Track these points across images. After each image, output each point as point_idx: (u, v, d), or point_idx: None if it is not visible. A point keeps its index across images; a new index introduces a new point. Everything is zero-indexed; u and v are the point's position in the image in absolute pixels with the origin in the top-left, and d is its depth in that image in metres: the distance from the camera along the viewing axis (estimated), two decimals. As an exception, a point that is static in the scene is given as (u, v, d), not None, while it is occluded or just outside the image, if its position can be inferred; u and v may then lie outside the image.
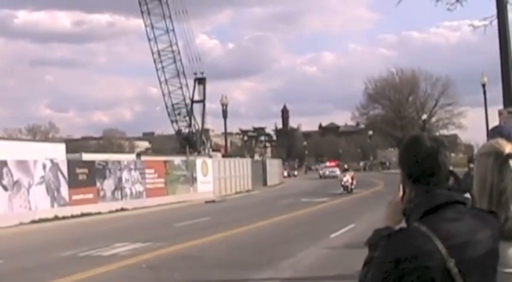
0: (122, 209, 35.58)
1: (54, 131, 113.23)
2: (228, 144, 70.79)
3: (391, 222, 2.63)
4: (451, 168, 2.58)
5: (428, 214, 2.44)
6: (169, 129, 70.73)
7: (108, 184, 35.90)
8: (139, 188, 38.86)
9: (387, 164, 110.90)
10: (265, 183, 63.60)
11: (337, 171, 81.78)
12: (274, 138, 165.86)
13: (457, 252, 2.35)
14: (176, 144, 69.85)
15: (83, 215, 31.97)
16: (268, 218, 26.68)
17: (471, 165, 11.56)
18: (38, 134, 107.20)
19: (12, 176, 28.82)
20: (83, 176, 33.79)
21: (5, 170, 28.50)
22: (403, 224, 2.56)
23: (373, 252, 2.45)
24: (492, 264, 2.47)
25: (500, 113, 19.11)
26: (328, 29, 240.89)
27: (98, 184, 34.99)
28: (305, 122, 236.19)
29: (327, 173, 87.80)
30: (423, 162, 2.53)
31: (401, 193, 2.64)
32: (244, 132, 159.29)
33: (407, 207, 2.55)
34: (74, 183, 32.68)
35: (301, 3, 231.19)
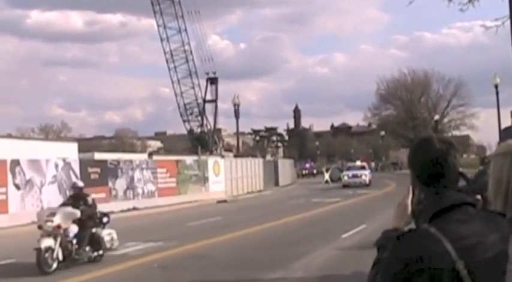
0: (134, 209, 35.64)
1: (67, 131, 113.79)
2: (240, 144, 70.81)
3: (400, 223, 2.63)
4: (460, 169, 2.58)
5: (438, 216, 2.44)
6: (181, 129, 70.82)
7: (120, 183, 35.99)
8: (151, 187, 38.93)
9: (399, 164, 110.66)
10: (277, 183, 63.54)
11: (365, 176, 58.14)
12: (286, 138, 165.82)
13: (466, 254, 2.35)
14: (188, 144, 69.89)
15: (94, 214, 31.99)
16: (280, 218, 26.67)
17: (480, 167, 11.52)
18: (51, 133, 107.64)
19: (24, 175, 28.94)
20: (95, 176, 33.88)
21: (17, 169, 28.62)
22: (412, 226, 2.57)
23: (382, 253, 2.45)
24: (501, 266, 2.46)
25: (512, 114, 19.08)
26: (339, 29, 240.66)
27: (110, 183, 35.08)
28: (317, 122, 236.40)
29: (346, 178, 58.46)
30: (433, 164, 2.53)
31: (410, 194, 2.64)
32: (256, 132, 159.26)
33: (417, 208, 2.56)
34: (86, 182, 32.27)
35: (312, 4, 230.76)
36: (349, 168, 62.97)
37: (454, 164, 2.55)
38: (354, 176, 58.45)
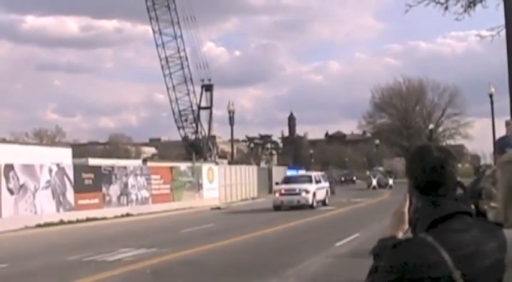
0: (128, 215, 35.59)
1: (61, 136, 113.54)
2: (234, 151, 70.67)
3: (396, 231, 2.61)
4: (458, 178, 2.57)
5: (435, 225, 2.43)
6: (175, 136, 70.76)
7: (114, 189, 35.93)
8: (145, 193, 38.88)
9: (393, 173, 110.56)
10: (270, 190, 63.45)
11: (306, 193, 38.48)
12: (281, 145, 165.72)
13: (463, 264, 2.33)
14: (182, 150, 69.84)
15: (88, 219, 31.98)
16: (273, 225, 26.64)
17: (475, 177, 11.51)
18: (45, 138, 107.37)
19: (18, 179, 28.87)
20: (89, 181, 33.83)
21: (11, 173, 28.54)
22: (409, 234, 2.55)
23: (378, 261, 2.44)
24: (498, 275, 2.46)
25: (507, 124, 19.10)
26: (334, 37, 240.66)
27: (104, 189, 35.02)
28: (311, 130, 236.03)
29: (277, 195, 39.42)
30: (430, 173, 2.52)
31: (407, 202, 2.62)
32: (250, 140, 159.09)
33: (414, 217, 2.54)
34: (79, 187, 32.71)
35: (308, 12, 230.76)
36: (287, 180, 42.43)
37: (451, 173, 2.53)
38: (290, 191, 38.60)
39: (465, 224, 2.45)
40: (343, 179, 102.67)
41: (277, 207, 37.94)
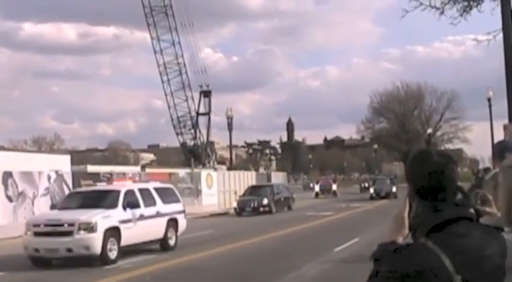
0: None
1: (60, 143, 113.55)
2: (233, 157, 70.59)
3: (396, 236, 2.60)
4: (459, 183, 2.56)
5: (436, 230, 2.42)
6: (174, 142, 70.66)
7: (113, 196, 35.86)
8: (143, 200, 38.77)
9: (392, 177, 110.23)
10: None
11: (87, 230, 17.71)
12: (279, 151, 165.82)
13: (464, 269, 2.33)
14: (181, 156, 69.75)
15: (87, 226, 31.86)
16: (273, 231, 26.62)
17: (473, 182, 11.53)
18: (43, 145, 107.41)
19: (17, 187, 28.84)
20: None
21: (10, 181, 28.52)
22: (409, 239, 2.55)
23: (378, 266, 2.42)
24: (498, 280, 2.45)
25: (505, 127, 19.10)
26: (332, 42, 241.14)
27: (103, 196, 34.94)
28: (310, 135, 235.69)
29: (29, 236, 18.47)
30: (431, 177, 2.51)
31: (407, 207, 2.61)
32: (249, 145, 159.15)
33: (414, 222, 2.53)
34: (78, 194, 32.64)
35: (305, 17, 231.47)
36: (66, 203, 20.78)
37: (452, 178, 2.53)
38: (52, 228, 18.19)
39: (466, 229, 2.45)
40: (365, 185, 78.15)
41: (35, 260, 18.27)
